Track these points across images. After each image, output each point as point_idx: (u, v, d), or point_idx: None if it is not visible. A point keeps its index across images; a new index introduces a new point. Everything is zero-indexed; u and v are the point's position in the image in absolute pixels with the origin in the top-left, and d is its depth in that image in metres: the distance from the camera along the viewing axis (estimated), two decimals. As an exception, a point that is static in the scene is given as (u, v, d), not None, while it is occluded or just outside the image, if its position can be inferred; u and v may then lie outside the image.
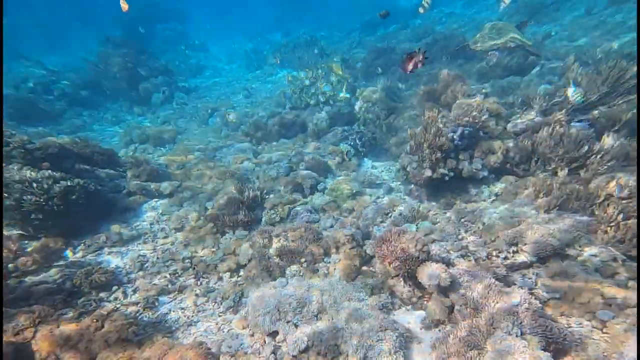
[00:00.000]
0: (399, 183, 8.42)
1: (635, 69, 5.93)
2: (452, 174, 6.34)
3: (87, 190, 5.98)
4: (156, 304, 4.95)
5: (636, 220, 4.29)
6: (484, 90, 7.23)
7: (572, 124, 6.06)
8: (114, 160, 7.64)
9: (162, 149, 10.15)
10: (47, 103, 11.49)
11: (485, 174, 6.35)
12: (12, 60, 13.86)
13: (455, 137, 6.39)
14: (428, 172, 6.43)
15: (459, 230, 5.76)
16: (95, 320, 3.94)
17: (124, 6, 6.62)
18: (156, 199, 7.47)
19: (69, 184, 5.64)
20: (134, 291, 5.14)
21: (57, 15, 24.93)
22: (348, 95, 10.49)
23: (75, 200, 5.71)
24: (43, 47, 20.53)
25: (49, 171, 5.63)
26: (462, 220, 5.98)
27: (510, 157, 6.42)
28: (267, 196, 7.82)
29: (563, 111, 6.13)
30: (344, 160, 9.50)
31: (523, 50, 9.77)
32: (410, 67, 4.85)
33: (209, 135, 11.10)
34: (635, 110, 5.73)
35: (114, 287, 4.99)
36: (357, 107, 10.67)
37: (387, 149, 9.95)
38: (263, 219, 7.32)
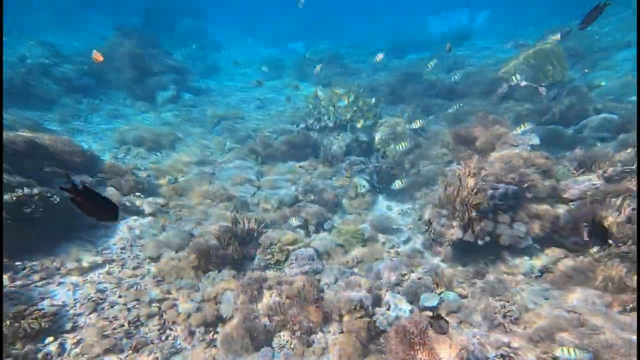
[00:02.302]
0: (417, 232, 7.33)
1: None
2: (487, 238, 5.24)
3: (49, 202, 4.92)
4: (100, 369, 3.83)
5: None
6: (530, 142, 6.18)
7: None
8: (94, 165, 6.62)
9: (157, 154, 9.16)
10: (42, 87, 10.59)
11: (529, 243, 5.23)
12: (18, 38, 13.11)
13: (495, 195, 5.31)
14: (458, 233, 5.33)
15: (494, 312, 4.62)
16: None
17: (98, 58, 6.07)
18: (136, 218, 6.41)
19: (23, 192, 4.60)
20: (76, 344, 4.01)
21: None
22: (369, 123, 9.49)
23: (29, 214, 4.65)
24: (56, 28, 19.91)
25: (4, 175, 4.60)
26: (498, 298, 4.86)
27: (559, 226, 5.31)
28: (264, 230, 6.74)
29: None
30: (356, 196, 8.43)
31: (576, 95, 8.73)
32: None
33: (211, 146, 10.10)
34: None
35: (48, 339, 3.87)
36: (376, 137, 9.65)
37: (405, 189, 8.89)
38: (256, 259, 6.22)
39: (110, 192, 6.38)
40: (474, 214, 5.17)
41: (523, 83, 9.39)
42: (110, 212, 2.11)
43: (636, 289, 3.37)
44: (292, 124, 11.26)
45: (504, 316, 4.55)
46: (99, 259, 5.17)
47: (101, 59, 5.83)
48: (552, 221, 5.24)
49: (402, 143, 9.42)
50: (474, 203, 5.16)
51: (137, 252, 5.78)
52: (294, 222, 6.89)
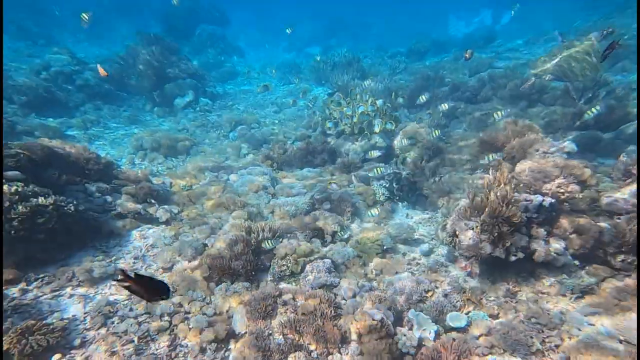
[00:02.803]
0: (440, 243, 6.92)
1: None
2: (520, 254, 4.80)
3: (63, 212, 4.84)
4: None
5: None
6: (566, 149, 5.68)
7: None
8: (110, 172, 6.57)
9: (173, 159, 9.11)
10: (65, 93, 10.81)
11: (568, 259, 4.76)
12: (44, 47, 13.54)
13: (529, 207, 4.87)
14: (487, 248, 4.91)
15: (531, 337, 4.18)
16: None
17: (102, 73, 6.24)
18: (149, 226, 6.30)
19: (39, 202, 4.52)
20: (83, 363, 3.86)
21: (100, 4, 25.30)
22: (390, 127, 9.13)
23: (43, 224, 4.57)
24: (82, 37, 20.56)
25: (18, 184, 4.54)
26: (534, 321, 4.41)
27: (603, 242, 4.81)
28: (279, 239, 6.49)
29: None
30: (374, 204, 8.09)
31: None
32: None
33: (226, 152, 9.99)
34: None
35: (55, 356, 3.72)
36: (396, 143, 9.29)
37: (426, 196, 8.47)
38: (271, 270, 5.98)
39: (124, 199, 6.30)
40: (505, 227, 4.75)
41: (548, 77, 8.80)
42: (162, 292, 2.36)
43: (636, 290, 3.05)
44: (309, 128, 11.05)
45: (543, 342, 4.11)
46: (111, 270, 5.04)
47: (105, 74, 5.93)
48: (595, 236, 4.75)
49: (422, 149, 9.05)
50: (505, 215, 4.74)
51: (150, 261, 5.65)
52: (310, 231, 6.62)
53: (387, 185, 8.27)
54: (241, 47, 25.35)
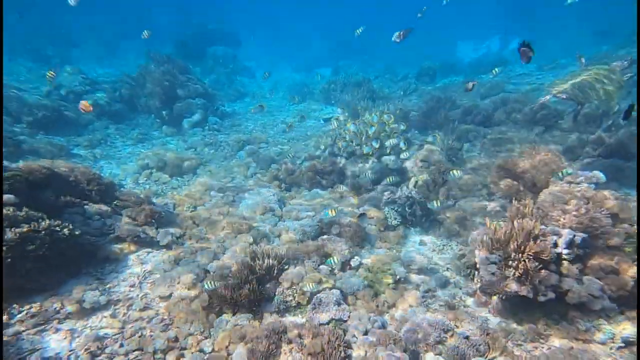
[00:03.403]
0: (457, 274, 6.47)
1: None
2: (551, 294, 4.34)
3: (57, 237, 4.56)
4: None
5: None
6: (594, 179, 5.29)
7: None
8: (111, 193, 6.33)
9: (178, 179, 8.90)
10: (74, 112, 10.83)
11: (606, 303, 4.28)
12: (58, 68, 13.77)
13: (559, 242, 4.45)
14: (513, 286, 4.47)
15: (566, 394, 3.68)
16: None
17: (87, 109, 6.29)
18: (149, 250, 5.98)
19: (29, 227, 4.25)
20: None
21: (114, 24, 26.15)
22: (403, 147, 8.83)
23: (33, 251, 4.29)
24: (96, 59, 21.05)
25: (10, 208, 4.29)
26: (569, 374, 3.91)
27: (642, 284, 4.34)
28: (285, 266, 6.11)
29: None
30: (386, 229, 7.70)
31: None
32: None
33: (234, 171, 9.76)
34: None
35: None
36: (408, 165, 8.96)
37: (440, 221, 8.06)
38: (275, 300, 5.57)
39: (124, 222, 6.02)
40: (533, 264, 4.31)
41: (565, 96, 8.46)
42: None
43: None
44: (317, 149, 10.82)
45: (581, 400, 3.60)
46: (104, 299, 4.70)
47: (90, 109, 5.95)
48: (634, 277, 4.28)
49: (436, 172, 8.71)
50: (533, 251, 4.32)
51: (147, 290, 5.29)
52: (318, 258, 6.23)
53: (399, 210, 7.89)
54: (251, 67, 25.68)
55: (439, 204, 6.93)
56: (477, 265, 5.02)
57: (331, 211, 6.62)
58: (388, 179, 8.31)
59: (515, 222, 4.75)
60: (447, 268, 6.70)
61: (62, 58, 16.13)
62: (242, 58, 25.51)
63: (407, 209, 7.81)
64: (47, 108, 10.04)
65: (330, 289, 5.68)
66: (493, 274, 4.67)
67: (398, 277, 6.18)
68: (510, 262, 4.53)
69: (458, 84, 15.82)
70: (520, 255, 4.44)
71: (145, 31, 8.56)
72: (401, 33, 7.74)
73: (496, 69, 8.63)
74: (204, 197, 7.90)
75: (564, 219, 4.70)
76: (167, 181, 8.62)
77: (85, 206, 5.78)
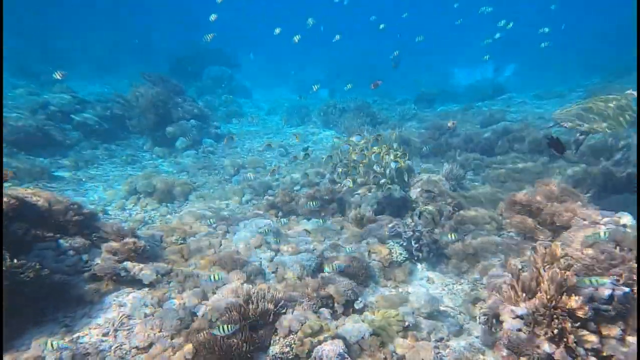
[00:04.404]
0: (470, 319, 5.92)
1: None
2: (592, 357, 3.79)
3: (19, 280, 3.92)
4: None
5: None
6: (621, 221, 4.87)
7: None
8: (91, 224, 5.70)
9: (168, 205, 8.29)
10: (61, 132, 10.26)
11: (650, 369, 3.74)
12: (49, 86, 13.32)
13: (596, 297, 3.95)
14: (545, 347, 3.91)
15: None
16: None
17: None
18: (130, 289, 5.32)
19: (-14, 271, 3.62)
20: None
21: (108, 43, 25.95)
22: (405, 176, 8.41)
23: (-12, 297, 3.63)
24: (91, 77, 20.70)
25: (-34, 246, 3.67)
26: None
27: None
28: (282, 310, 5.47)
29: None
30: (390, 265, 7.15)
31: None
32: None
33: (227, 197, 9.19)
34: None
35: None
36: (413, 195, 8.51)
37: (449, 256, 7.54)
38: (271, 350, 4.91)
39: (103, 257, 5.38)
40: (568, 322, 3.79)
41: (568, 124, 8.18)
42: None
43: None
44: (316, 175, 10.35)
45: None
46: (67, 354, 4.00)
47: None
48: (681, 338, 3.77)
49: (441, 203, 8.27)
50: (567, 307, 3.80)
51: (123, 339, 4.60)
52: (318, 299, 5.62)
53: (405, 244, 7.37)
54: (248, 88, 25.53)
55: (454, 236, 6.51)
56: (500, 318, 4.47)
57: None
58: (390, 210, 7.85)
59: (540, 270, 4.26)
60: (460, 312, 6.15)
61: (51, 76, 15.66)
62: (239, 79, 25.38)
63: (413, 242, 7.29)
64: (28, 127, 9.46)
65: (333, 338, 5.06)
66: (521, 330, 4.12)
67: (407, 323, 5.60)
68: (540, 318, 4.00)
69: (457, 111, 15.73)
70: (550, 311, 3.92)
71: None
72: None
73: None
74: (194, 227, 7.30)
75: (597, 267, 4.22)
76: (156, 207, 8.01)
77: (60, 240, 5.15)
